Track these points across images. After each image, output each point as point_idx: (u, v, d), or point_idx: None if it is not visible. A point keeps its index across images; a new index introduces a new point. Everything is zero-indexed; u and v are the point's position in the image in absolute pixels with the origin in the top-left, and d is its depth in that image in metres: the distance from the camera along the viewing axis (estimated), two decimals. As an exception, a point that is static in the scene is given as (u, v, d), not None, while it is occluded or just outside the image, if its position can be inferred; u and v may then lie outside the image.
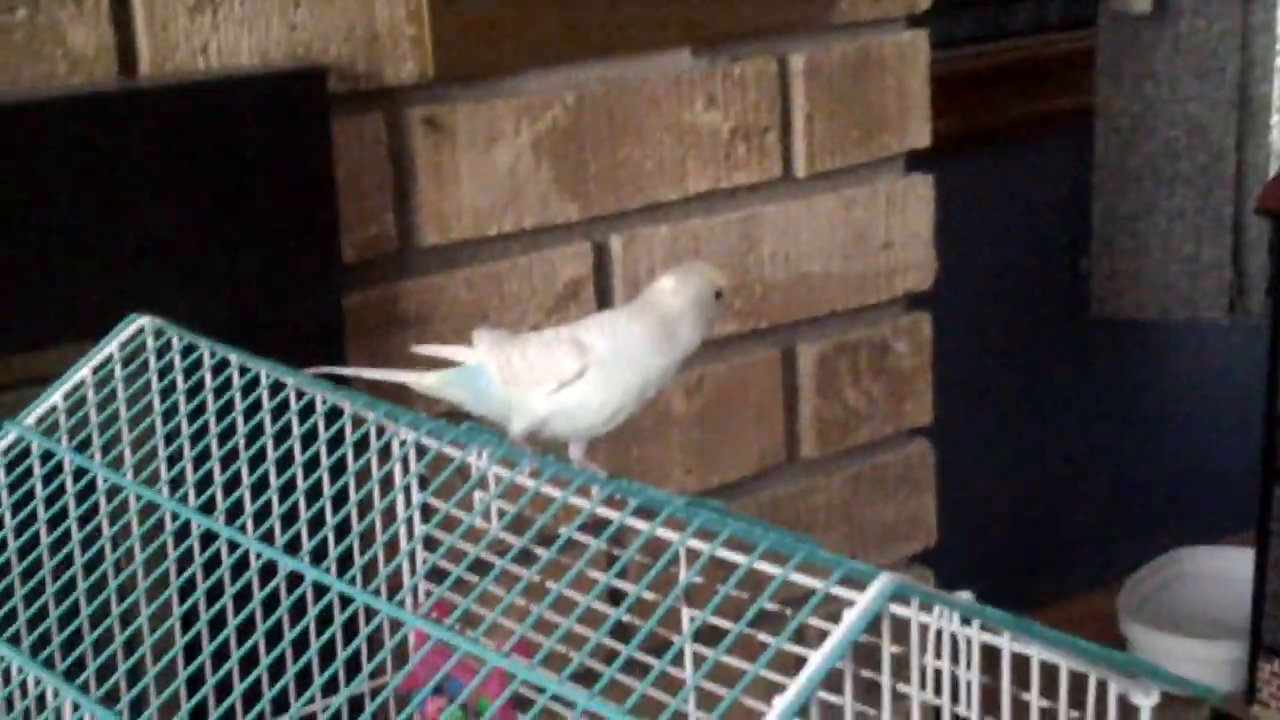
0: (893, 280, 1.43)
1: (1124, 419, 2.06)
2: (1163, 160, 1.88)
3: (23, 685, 0.75)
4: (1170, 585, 1.91)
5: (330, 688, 0.79)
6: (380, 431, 0.82)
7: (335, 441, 0.81)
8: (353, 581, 0.71)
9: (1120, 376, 2.05)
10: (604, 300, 1.29)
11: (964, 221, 1.60)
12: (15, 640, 0.77)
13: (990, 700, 0.63)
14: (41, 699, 0.74)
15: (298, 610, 0.74)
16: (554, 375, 0.79)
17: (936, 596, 0.57)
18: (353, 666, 0.74)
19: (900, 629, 0.62)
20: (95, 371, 0.86)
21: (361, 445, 0.82)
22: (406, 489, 0.86)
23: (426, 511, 0.85)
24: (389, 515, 0.84)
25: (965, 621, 0.62)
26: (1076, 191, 1.92)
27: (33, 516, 0.82)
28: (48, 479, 0.83)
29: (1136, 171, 1.89)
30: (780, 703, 0.53)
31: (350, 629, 0.72)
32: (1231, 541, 1.94)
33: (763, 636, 0.66)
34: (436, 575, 0.84)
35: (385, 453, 0.84)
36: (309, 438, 0.81)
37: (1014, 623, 0.58)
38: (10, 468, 0.84)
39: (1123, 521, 2.04)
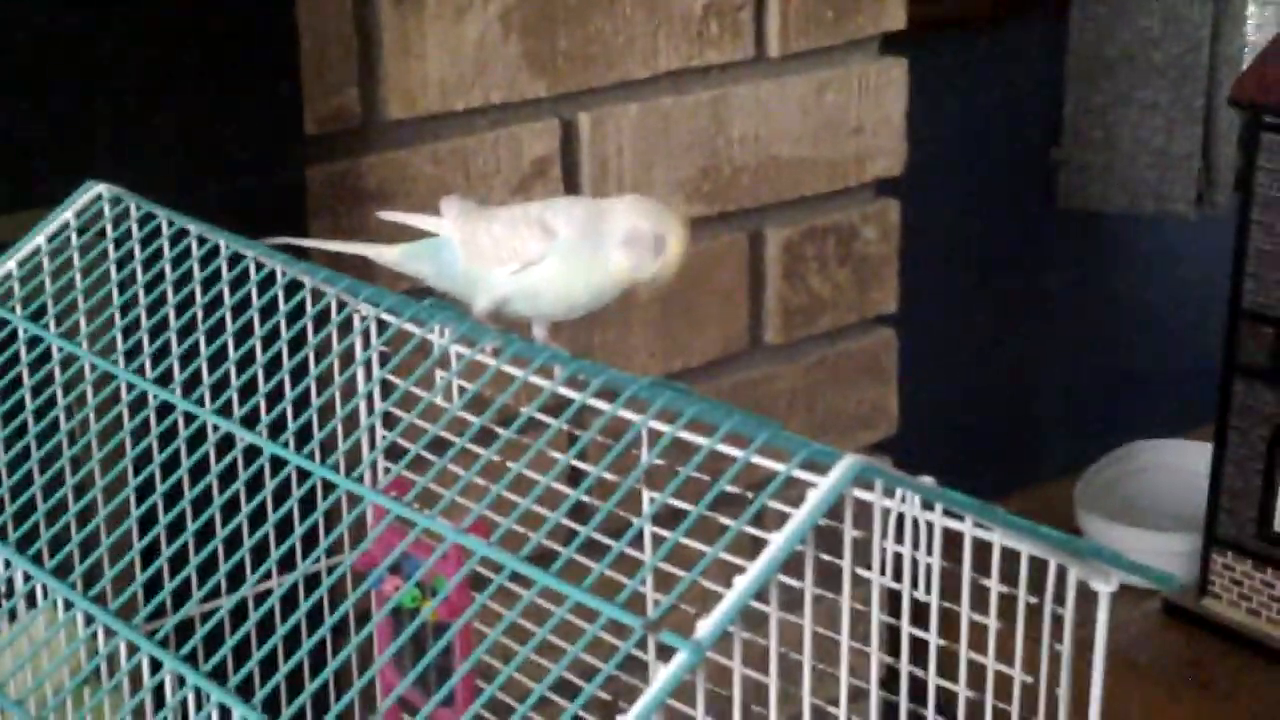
0: (863, 165, 1.42)
1: (1088, 311, 2.05)
2: (1137, 50, 1.86)
3: (-26, 555, 0.74)
4: (1127, 477, 1.92)
5: (285, 564, 0.78)
6: (341, 306, 0.81)
7: (295, 315, 0.80)
8: (311, 457, 0.70)
9: (1086, 268, 2.04)
10: (571, 179, 1.27)
11: (934, 108, 1.58)
12: (-33, 510, 0.77)
13: (950, 585, 0.63)
14: (-8, 569, 0.73)
15: (254, 485, 0.73)
16: (518, 255, 0.77)
17: (901, 480, 0.57)
18: (309, 544, 0.73)
19: (861, 514, 0.62)
20: (50, 239, 0.85)
21: (321, 320, 0.80)
22: (366, 364, 0.85)
23: (386, 389, 0.84)
24: (348, 391, 0.83)
25: (927, 507, 0.61)
26: (1050, 80, 1.90)
27: (-15, 385, 0.81)
28: (1, 347, 0.82)
29: (1110, 61, 1.87)
30: (741, 583, 0.52)
31: (307, 505, 0.71)
32: (1190, 436, 1.94)
33: (724, 519, 0.65)
34: (395, 454, 0.83)
35: (345, 328, 0.83)
36: (268, 310, 0.80)
37: (977, 507, 0.58)
38: (-38, 335, 0.83)
39: (1083, 413, 2.05)
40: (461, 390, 0.78)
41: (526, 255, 0.77)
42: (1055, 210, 1.93)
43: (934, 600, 0.60)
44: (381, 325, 0.81)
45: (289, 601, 0.72)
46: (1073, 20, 1.87)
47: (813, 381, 1.45)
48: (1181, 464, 1.92)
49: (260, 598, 0.77)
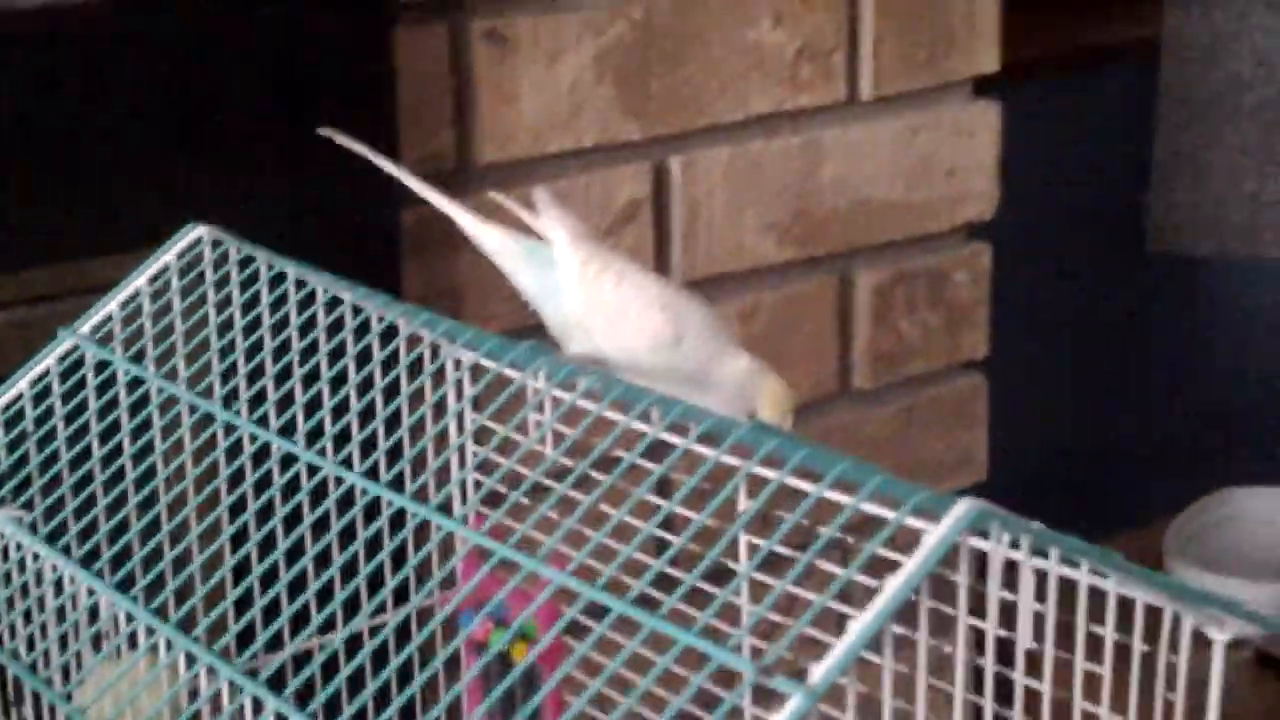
0: (954, 209, 1.41)
1: (1179, 356, 2.03)
2: (1228, 93, 1.84)
3: (74, 596, 0.74)
4: (1217, 525, 1.89)
5: (377, 612, 0.77)
6: (436, 351, 0.81)
7: (393, 359, 0.80)
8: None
9: (1177, 313, 2.02)
10: (662, 222, 1.27)
11: (1024, 151, 1.57)
12: (67, 551, 0.77)
13: (1062, 634, 0.61)
14: (94, 610, 0.73)
15: (348, 531, 0.73)
16: (645, 334, 0.76)
17: (1019, 525, 0.55)
18: (400, 589, 0.73)
19: (969, 561, 0.61)
20: (151, 281, 0.85)
21: (418, 364, 0.80)
22: (460, 414, 0.84)
23: (482, 433, 0.83)
24: (443, 439, 0.83)
25: (1036, 553, 0.60)
26: (1141, 124, 1.88)
27: (86, 427, 0.82)
28: (102, 389, 0.82)
29: (1201, 104, 1.86)
30: (855, 628, 0.51)
31: (401, 553, 0.71)
32: (1281, 483, 1.91)
33: (826, 566, 0.64)
34: (490, 501, 0.83)
35: (442, 373, 0.82)
36: (364, 355, 0.80)
37: (1095, 553, 0.57)
38: (64, 376, 0.83)
39: (1173, 459, 2.02)
40: (559, 436, 0.77)
41: (655, 339, 0.76)
42: (1146, 254, 1.91)
43: (1048, 649, 0.59)
44: (477, 371, 0.81)
45: (381, 644, 0.72)
46: (1163, 64, 1.86)
47: (901, 427, 1.43)
48: (1275, 512, 1.89)
49: (351, 641, 0.77)
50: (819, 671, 0.51)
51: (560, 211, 0.80)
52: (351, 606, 0.72)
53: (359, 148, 0.85)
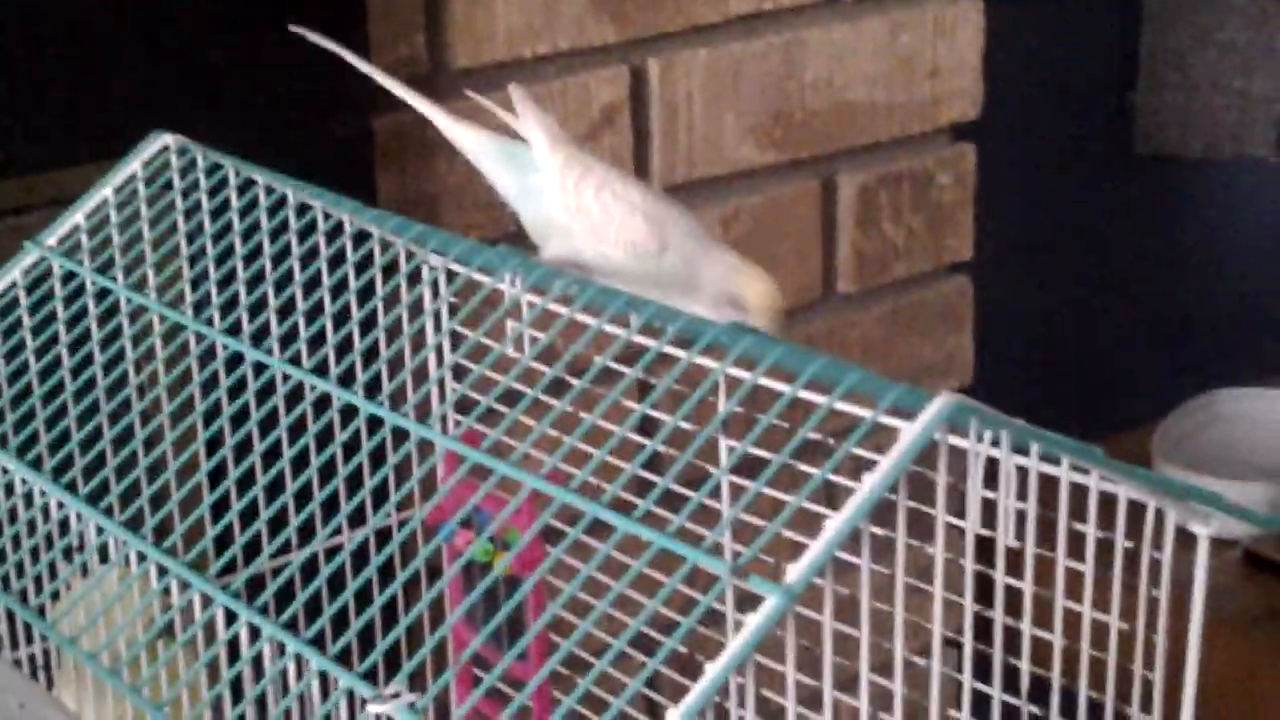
0: (938, 110, 1.39)
1: (1165, 258, 2.02)
2: (1215, -10, 1.82)
3: (45, 509, 0.73)
4: (1206, 427, 1.89)
5: (356, 518, 0.77)
6: (409, 255, 0.80)
7: (364, 265, 0.79)
8: (381, 408, 0.69)
9: (1164, 214, 2.01)
10: (640, 127, 1.25)
11: (1010, 52, 1.55)
12: (37, 464, 0.76)
13: (1044, 532, 0.61)
14: (65, 523, 0.72)
15: (324, 438, 0.72)
16: (628, 244, 0.75)
17: (998, 420, 0.55)
18: (379, 497, 0.72)
19: (949, 458, 0.60)
20: (118, 191, 0.84)
21: (390, 269, 0.79)
22: (435, 315, 0.84)
23: (455, 340, 0.82)
24: (418, 343, 0.82)
25: (1017, 451, 0.59)
26: (1128, 22, 1.86)
27: (54, 339, 0.80)
28: (69, 300, 0.81)
29: (1188, 1, 1.84)
30: (831, 528, 0.50)
31: (376, 459, 0.70)
32: (1270, 384, 1.91)
33: (804, 468, 0.63)
34: (464, 407, 0.82)
35: (414, 278, 0.81)
36: (336, 260, 0.78)
37: (1075, 448, 0.56)
38: (31, 289, 0.82)
39: (1160, 362, 2.02)
40: (533, 340, 0.76)
41: (639, 247, 0.75)
42: (1132, 155, 1.90)
43: (1029, 546, 0.58)
44: (451, 274, 0.80)
45: (360, 555, 0.71)
46: (1149, -40, 1.84)
47: (886, 330, 1.43)
48: (1262, 413, 1.89)
49: (331, 552, 0.76)
50: (795, 571, 0.51)
51: (538, 113, 0.79)
52: (329, 516, 0.71)
53: (336, 47, 0.83)
